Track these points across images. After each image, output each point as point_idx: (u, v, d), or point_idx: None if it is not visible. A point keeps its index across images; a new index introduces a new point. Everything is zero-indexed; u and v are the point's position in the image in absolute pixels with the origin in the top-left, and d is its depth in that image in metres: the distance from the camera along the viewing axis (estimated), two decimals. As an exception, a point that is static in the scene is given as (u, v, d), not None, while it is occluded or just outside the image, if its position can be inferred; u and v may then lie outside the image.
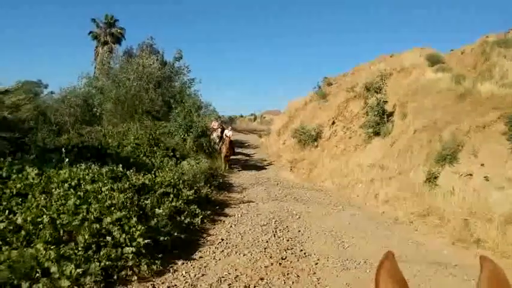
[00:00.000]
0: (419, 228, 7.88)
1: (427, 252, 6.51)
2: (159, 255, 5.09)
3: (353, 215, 8.86)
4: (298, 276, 5.24)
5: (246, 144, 24.82)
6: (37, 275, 3.79)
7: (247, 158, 18.87)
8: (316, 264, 5.73)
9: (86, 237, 4.40)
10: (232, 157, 15.17)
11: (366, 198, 10.51)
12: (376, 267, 0.70)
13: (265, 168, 16.05)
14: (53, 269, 3.82)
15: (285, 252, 6.08)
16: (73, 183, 5.89)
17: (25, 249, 4.03)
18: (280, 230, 7.34)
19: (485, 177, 7.64)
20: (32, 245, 4.15)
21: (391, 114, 13.22)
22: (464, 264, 5.77)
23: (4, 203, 4.97)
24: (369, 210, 9.53)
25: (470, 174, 8.02)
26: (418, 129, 11.01)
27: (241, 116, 58.77)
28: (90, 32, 31.26)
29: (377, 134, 13.06)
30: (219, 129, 15.61)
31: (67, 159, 6.75)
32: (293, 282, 5.01)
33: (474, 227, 6.96)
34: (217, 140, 15.14)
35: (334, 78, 26.96)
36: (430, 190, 8.66)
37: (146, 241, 4.85)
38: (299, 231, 7.36)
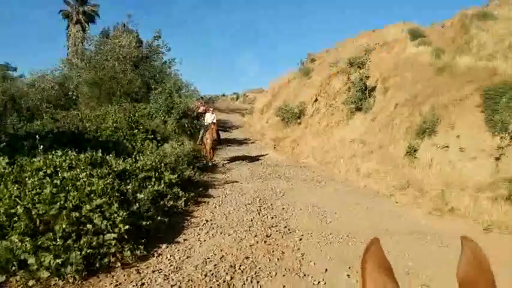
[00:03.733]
0: (399, 200, 8.06)
1: (407, 222, 6.70)
2: (143, 240, 5.05)
3: (335, 190, 8.98)
4: (283, 252, 5.30)
5: (229, 124, 24.66)
6: (13, 268, 3.70)
7: (230, 137, 18.76)
8: (300, 240, 5.80)
9: (64, 226, 4.29)
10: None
11: (348, 173, 10.64)
12: (363, 253, 0.68)
13: (249, 148, 16.01)
14: (31, 260, 3.73)
15: (269, 230, 6.13)
16: (49, 171, 5.70)
17: None
18: (264, 208, 7.38)
19: (460, 148, 7.81)
20: (6, 237, 4.02)
21: (373, 89, 13.26)
22: (439, 232, 6.05)
23: (-26, 196, 4.79)
24: (351, 185, 9.66)
25: (447, 146, 8.19)
26: (399, 103, 11.11)
27: (224, 95, 58.15)
28: (61, 11, 29.34)
29: (359, 109, 13.13)
30: (206, 113, 12.46)
31: (41, 146, 6.50)
32: (278, 259, 5.06)
33: (449, 196, 7.18)
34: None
35: (317, 54, 26.80)
36: (409, 163, 8.82)
37: (127, 227, 4.78)
38: (283, 208, 7.42)
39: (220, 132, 12.24)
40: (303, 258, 5.14)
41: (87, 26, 27.56)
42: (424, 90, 10.53)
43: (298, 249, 5.47)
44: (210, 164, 11.27)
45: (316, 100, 17.45)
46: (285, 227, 6.35)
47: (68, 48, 26.41)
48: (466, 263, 0.66)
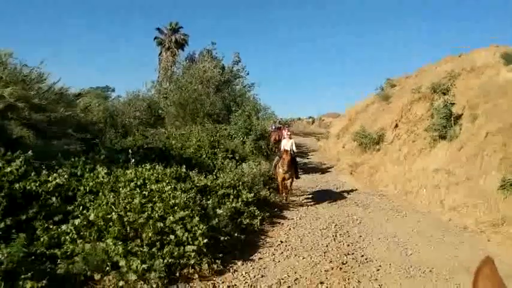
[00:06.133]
0: (492, 238, 7.24)
1: (503, 264, 5.92)
2: (220, 255, 5.22)
3: (417, 222, 8.39)
4: (359, 281, 5.10)
5: (304, 148, 24.58)
6: (107, 268, 4.07)
7: (306, 161, 18.66)
8: (378, 270, 5.52)
9: (150, 234, 4.63)
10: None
11: (431, 205, 9.90)
12: (474, 273, 0.59)
13: (324, 172, 15.75)
14: (122, 263, 4.07)
15: (345, 257, 5.93)
16: (138, 183, 6.20)
17: (97, 243, 4.34)
18: (340, 234, 7.18)
19: None
20: (103, 239, 4.46)
21: (459, 116, 12.30)
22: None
23: (79, 199, 5.39)
24: (434, 217, 8.95)
25: (555, 181, 7.21)
26: (491, 132, 10.12)
27: (299, 119, 58.36)
28: (155, 38, 32.60)
29: (443, 137, 12.23)
30: (283, 139, 11.20)
31: (133, 160, 7.12)
32: (354, 288, 4.87)
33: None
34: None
35: (397, 79, 25.85)
36: (505, 198, 7.91)
37: (206, 240, 4.98)
38: (360, 236, 7.13)
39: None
40: (380, 290, 4.88)
41: (177, 52, 30.11)
42: (523, 119, 9.50)
43: (376, 279, 5.21)
44: (283, 200, 9.54)
45: (396, 126, 16.67)
46: (362, 255, 6.09)
47: (159, 72, 28.87)
48: None
